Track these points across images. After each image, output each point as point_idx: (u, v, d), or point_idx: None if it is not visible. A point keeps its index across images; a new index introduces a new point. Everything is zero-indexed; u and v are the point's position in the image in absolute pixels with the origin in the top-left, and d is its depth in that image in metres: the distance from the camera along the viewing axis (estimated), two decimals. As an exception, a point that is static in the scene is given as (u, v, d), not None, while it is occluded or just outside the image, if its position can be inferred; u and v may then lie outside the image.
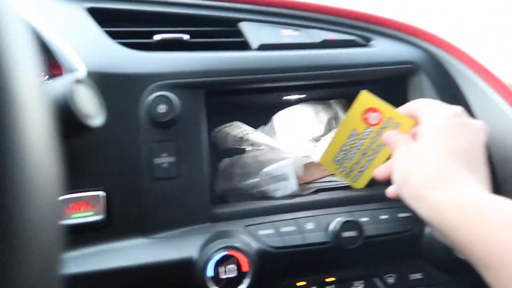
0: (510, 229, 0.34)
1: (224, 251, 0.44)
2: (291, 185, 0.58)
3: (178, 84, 0.47)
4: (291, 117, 0.65)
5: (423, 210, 0.41)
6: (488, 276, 0.35)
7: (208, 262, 0.44)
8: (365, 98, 0.52)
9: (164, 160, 0.46)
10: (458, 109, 0.46)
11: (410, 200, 0.43)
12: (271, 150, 0.58)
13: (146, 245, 0.45)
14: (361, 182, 0.56)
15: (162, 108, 0.44)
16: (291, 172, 0.57)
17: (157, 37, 0.49)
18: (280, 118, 0.65)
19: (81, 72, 0.43)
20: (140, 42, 0.49)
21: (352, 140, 0.53)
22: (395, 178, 0.45)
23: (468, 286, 0.55)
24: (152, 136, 0.46)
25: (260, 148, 0.58)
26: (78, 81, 0.33)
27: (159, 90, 0.45)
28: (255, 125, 0.62)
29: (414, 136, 0.47)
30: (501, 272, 0.33)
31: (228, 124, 0.59)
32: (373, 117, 0.52)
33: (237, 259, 0.44)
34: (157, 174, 0.46)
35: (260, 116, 0.65)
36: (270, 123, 0.66)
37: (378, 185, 0.62)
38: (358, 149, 0.54)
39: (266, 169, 0.59)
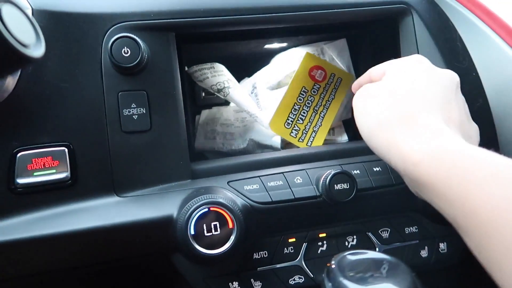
0: (497, 189, 0.27)
1: (206, 207, 0.40)
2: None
3: (144, 25, 0.42)
4: (275, 70, 0.60)
5: (395, 159, 0.36)
6: (469, 241, 0.29)
7: (190, 220, 0.40)
8: (309, 58, 0.57)
9: (134, 111, 0.42)
10: (422, 57, 0.42)
11: (380, 148, 0.38)
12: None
13: (118, 204, 0.41)
14: (317, 143, 0.56)
15: (126, 52, 0.39)
16: (279, 145, 0.55)
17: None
18: (262, 73, 0.61)
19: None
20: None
21: (303, 98, 0.56)
22: (358, 125, 0.41)
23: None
24: (119, 84, 0.41)
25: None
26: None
27: (123, 32, 0.40)
28: (237, 77, 0.57)
29: None
30: (484, 240, 0.27)
31: (208, 65, 0.53)
32: (318, 74, 0.56)
33: (222, 216, 0.41)
34: (127, 127, 0.42)
35: (242, 68, 0.61)
36: (253, 78, 0.61)
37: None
38: (309, 106, 0.56)
39: (253, 137, 0.56)
